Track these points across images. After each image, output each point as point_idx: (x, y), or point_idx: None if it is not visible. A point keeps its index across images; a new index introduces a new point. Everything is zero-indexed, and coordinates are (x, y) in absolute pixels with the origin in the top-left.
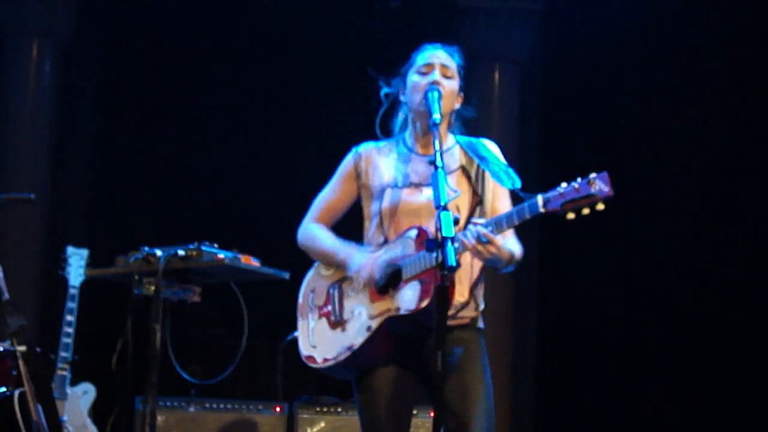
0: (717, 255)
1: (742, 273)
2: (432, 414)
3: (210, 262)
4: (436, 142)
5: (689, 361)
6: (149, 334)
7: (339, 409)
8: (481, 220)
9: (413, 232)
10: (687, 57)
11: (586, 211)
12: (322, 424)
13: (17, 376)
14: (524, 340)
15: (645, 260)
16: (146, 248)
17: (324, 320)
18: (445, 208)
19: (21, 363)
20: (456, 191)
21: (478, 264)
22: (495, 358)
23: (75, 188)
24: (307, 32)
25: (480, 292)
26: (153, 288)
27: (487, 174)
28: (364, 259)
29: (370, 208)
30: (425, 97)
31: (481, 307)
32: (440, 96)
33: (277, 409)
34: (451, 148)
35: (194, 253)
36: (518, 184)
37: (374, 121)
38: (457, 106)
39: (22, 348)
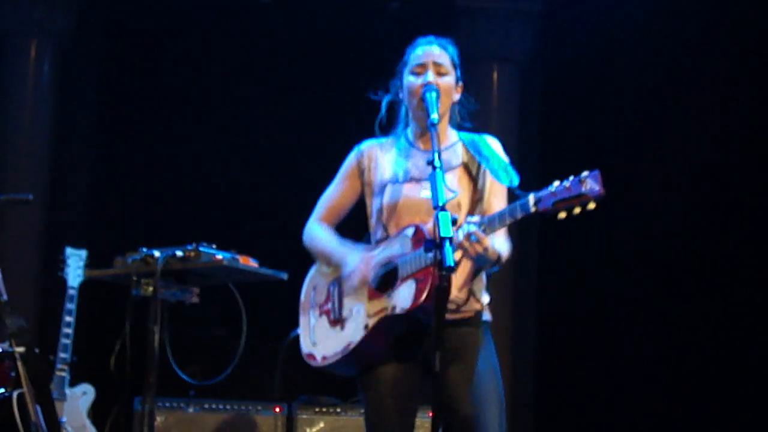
0: (718, 252)
1: (745, 270)
2: (431, 414)
3: (208, 263)
4: (435, 143)
5: (690, 358)
6: (148, 335)
7: (338, 410)
8: (476, 218)
9: (410, 231)
10: (686, 56)
11: (577, 210)
12: (321, 425)
13: (16, 377)
14: (524, 336)
15: (645, 257)
16: (144, 249)
17: (324, 318)
18: (443, 209)
19: (20, 364)
20: (454, 191)
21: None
22: None
23: (73, 189)
24: (306, 32)
25: (478, 286)
26: (151, 289)
27: (488, 171)
28: (356, 261)
29: (373, 205)
30: (423, 98)
31: (484, 300)
32: (438, 95)
33: (276, 409)
34: (454, 145)
35: (192, 254)
36: (516, 182)
37: (374, 120)
38: (457, 97)
39: (20, 349)
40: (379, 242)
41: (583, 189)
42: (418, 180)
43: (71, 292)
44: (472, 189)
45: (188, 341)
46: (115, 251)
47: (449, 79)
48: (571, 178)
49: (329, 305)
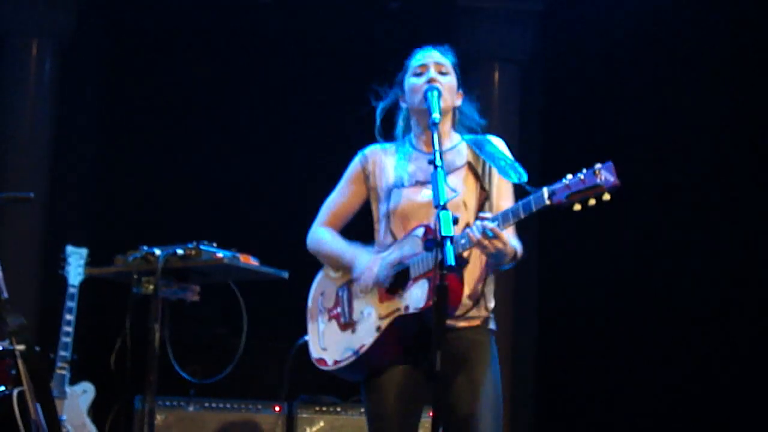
0: (718, 252)
1: (745, 269)
2: (431, 414)
3: (209, 261)
4: (436, 142)
5: (690, 358)
6: (148, 334)
7: (338, 409)
8: (488, 214)
9: (420, 231)
10: (687, 56)
11: (592, 201)
12: (322, 424)
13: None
14: (524, 337)
15: (646, 256)
16: (145, 247)
17: (334, 322)
18: (444, 208)
19: (20, 362)
20: (455, 191)
21: (485, 261)
22: None
23: (74, 188)
24: (306, 32)
25: (489, 289)
26: (152, 287)
27: (494, 170)
28: (368, 261)
29: (379, 210)
30: (425, 97)
31: (491, 306)
32: (440, 95)
33: (277, 408)
34: (457, 145)
35: (193, 252)
36: (525, 178)
37: (374, 120)
38: (458, 102)
39: (21, 347)
40: (385, 246)
41: (598, 180)
42: (423, 183)
43: (72, 290)
44: (478, 188)
45: (189, 340)
46: (116, 249)
47: (451, 78)
48: (585, 169)
49: (339, 309)
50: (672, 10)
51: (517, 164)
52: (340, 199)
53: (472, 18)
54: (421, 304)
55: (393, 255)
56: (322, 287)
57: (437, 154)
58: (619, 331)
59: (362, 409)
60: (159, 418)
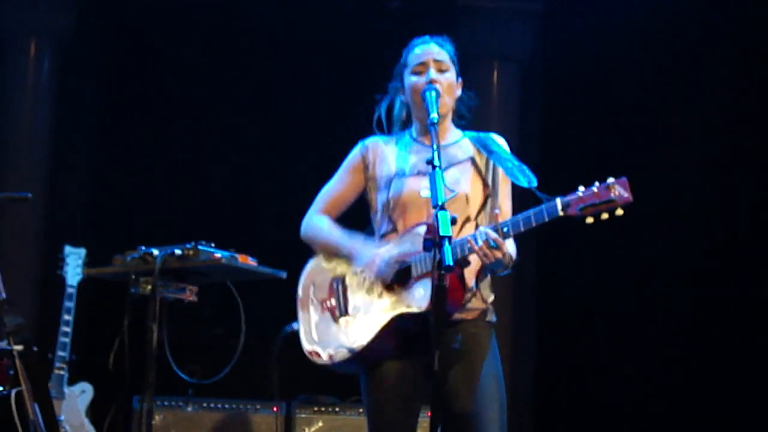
0: (717, 252)
1: (745, 270)
2: (429, 414)
3: (207, 261)
4: (434, 142)
5: (690, 358)
6: (146, 334)
7: (337, 409)
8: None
9: (422, 229)
10: (687, 56)
11: (605, 216)
12: (320, 424)
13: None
14: (524, 336)
15: (645, 257)
16: (143, 247)
17: (328, 314)
18: (442, 208)
19: (18, 362)
20: (453, 191)
21: None
22: None
23: (73, 188)
24: (306, 31)
25: (485, 282)
26: (150, 287)
27: (499, 169)
28: (370, 256)
29: (377, 200)
30: (423, 98)
31: (489, 298)
32: (438, 95)
33: (275, 408)
34: (459, 140)
35: (191, 252)
36: (534, 183)
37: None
38: (459, 93)
39: (19, 347)
40: (384, 236)
41: (612, 195)
42: (424, 174)
43: (70, 290)
44: (481, 183)
45: (187, 340)
46: (114, 249)
47: (450, 76)
48: (598, 183)
49: (333, 301)
50: (672, 10)
51: (525, 167)
52: (338, 187)
53: (471, 17)
54: (425, 304)
55: (394, 251)
56: (313, 276)
57: (435, 155)
58: (618, 332)
59: (361, 410)
60: (157, 418)
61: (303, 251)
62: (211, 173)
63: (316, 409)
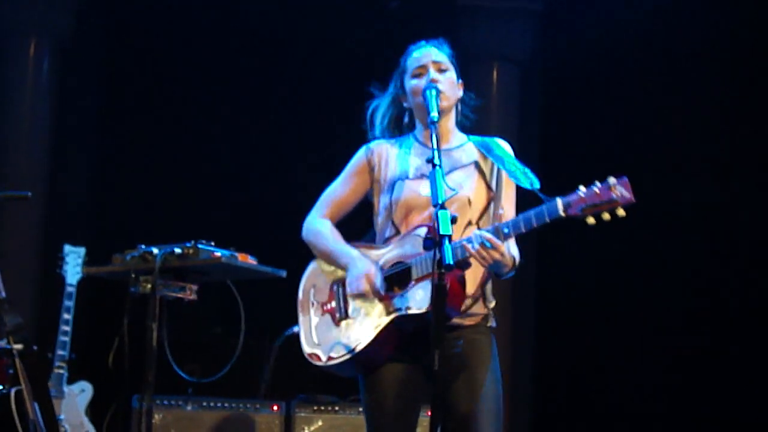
0: (716, 252)
1: (744, 270)
2: (429, 414)
3: (207, 260)
4: (434, 141)
5: (690, 358)
6: (146, 333)
7: (336, 408)
8: (486, 233)
9: (422, 230)
10: (687, 56)
11: (606, 216)
12: (320, 423)
13: (14, 374)
14: (523, 338)
15: (645, 257)
16: (143, 246)
17: (328, 317)
18: (442, 207)
19: (18, 361)
20: (454, 189)
21: None
22: None
23: (72, 187)
24: (305, 32)
25: (489, 287)
26: (150, 286)
27: (503, 173)
28: (362, 270)
29: (381, 202)
30: (423, 97)
31: (491, 303)
32: (438, 94)
33: (275, 407)
34: (464, 144)
35: (191, 251)
36: (537, 185)
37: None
38: (460, 92)
39: (18, 346)
40: (388, 240)
41: (614, 195)
42: (427, 177)
43: (70, 289)
44: (485, 187)
45: (187, 339)
46: (114, 248)
47: (451, 75)
48: (599, 183)
49: (333, 304)
50: (672, 10)
51: (528, 170)
52: (343, 190)
53: (471, 17)
54: (425, 306)
55: (391, 253)
56: (314, 279)
57: (435, 153)
58: (618, 332)
59: (360, 409)
60: (157, 417)
61: (303, 251)
62: (210, 172)
63: (315, 408)
